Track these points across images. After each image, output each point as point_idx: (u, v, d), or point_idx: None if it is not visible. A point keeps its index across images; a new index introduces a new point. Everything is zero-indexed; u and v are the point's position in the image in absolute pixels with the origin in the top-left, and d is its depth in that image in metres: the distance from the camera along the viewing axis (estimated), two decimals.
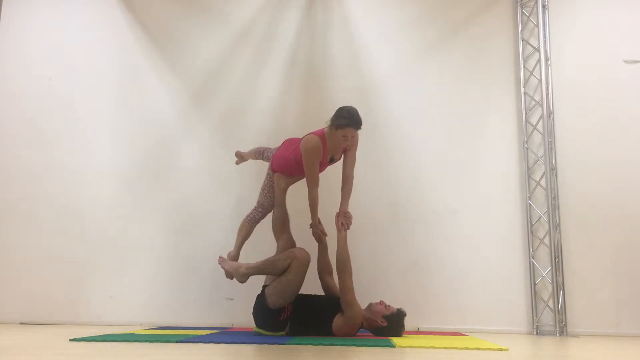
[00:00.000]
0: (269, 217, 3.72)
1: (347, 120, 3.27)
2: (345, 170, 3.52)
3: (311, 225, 3.59)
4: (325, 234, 3.62)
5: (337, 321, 3.22)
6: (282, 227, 3.60)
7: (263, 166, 3.96)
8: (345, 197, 3.49)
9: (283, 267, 3.22)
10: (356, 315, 3.23)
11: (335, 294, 3.47)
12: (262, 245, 3.75)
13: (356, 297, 3.28)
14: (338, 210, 3.47)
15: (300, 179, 3.63)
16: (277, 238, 3.62)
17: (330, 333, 3.22)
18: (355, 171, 3.52)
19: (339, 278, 3.28)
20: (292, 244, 3.54)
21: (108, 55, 4.61)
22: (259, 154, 3.99)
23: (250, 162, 4.23)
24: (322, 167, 3.53)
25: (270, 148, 3.92)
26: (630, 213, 4.08)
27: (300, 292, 3.30)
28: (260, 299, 3.30)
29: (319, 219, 3.59)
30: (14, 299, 4.20)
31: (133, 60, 4.58)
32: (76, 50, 4.61)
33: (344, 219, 3.41)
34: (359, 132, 3.44)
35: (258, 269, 3.36)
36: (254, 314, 3.34)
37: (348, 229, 3.41)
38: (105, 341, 2.77)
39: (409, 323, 3.42)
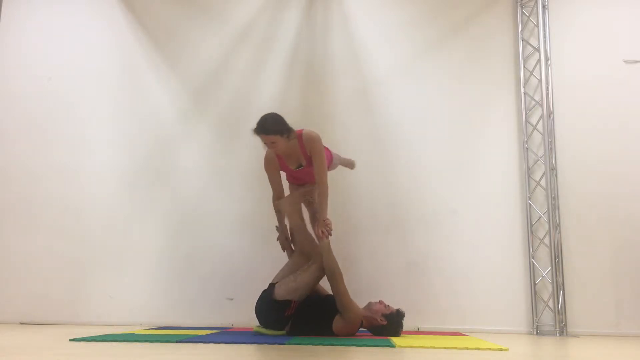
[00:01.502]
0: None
1: (256, 127, 3.24)
2: (315, 178, 3.42)
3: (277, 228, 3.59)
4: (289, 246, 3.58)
5: (337, 322, 3.22)
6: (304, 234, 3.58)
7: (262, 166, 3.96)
8: (320, 205, 3.38)
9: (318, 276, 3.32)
10: (355, 316, 3.24)
11: (321, 293, 3.50)
12: (269, 245, 3.76)
13: (354, 299, 3.28)
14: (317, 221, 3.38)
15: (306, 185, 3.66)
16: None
17: (330, 333, 3.22)
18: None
19: (331, 285, 3.26)
20: (311, 241, 3.47)
21: (108, 55, 4.61)
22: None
23: (250, 162, 4.23)
24: (288, 172, 3.53)
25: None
26: (630, 213, 4.08)
27: None
28: (267, 293, 3.29)
29: (285, 226, 3.54)
30: (14, 299, 4.20)
31: (133, 60, 4.58)
32: (76, 50, 4.61)
33: (323, 227, 3.32)
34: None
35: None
36: (256, 310, 3.32)
37: (330, 235, 3.31)
38: (105, 341, 2.77)
39: (408, 323, 3.43)
